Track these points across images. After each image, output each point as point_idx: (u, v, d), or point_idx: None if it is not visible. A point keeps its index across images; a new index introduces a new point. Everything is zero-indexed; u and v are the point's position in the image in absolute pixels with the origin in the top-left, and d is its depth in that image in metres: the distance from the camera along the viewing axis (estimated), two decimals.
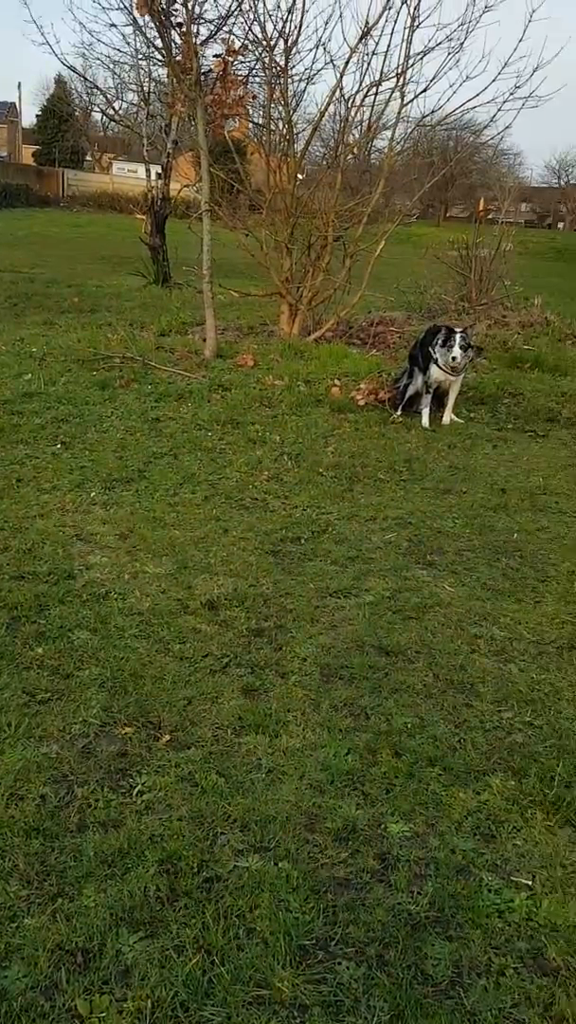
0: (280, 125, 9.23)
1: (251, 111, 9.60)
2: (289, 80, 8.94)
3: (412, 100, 8.91)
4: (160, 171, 14.62)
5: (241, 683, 2.99)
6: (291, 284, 9.34)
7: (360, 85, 8.88)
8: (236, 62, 8.58)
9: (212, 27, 10.69)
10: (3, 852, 2.16)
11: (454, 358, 6.55)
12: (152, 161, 14.82)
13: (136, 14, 10.40)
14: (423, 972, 1.91)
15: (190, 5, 8.24)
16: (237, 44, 8.94)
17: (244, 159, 10.29)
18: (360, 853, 2.24)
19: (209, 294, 8.44)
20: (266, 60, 8.98)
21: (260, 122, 9.74)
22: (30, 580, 3.61)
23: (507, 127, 25.08)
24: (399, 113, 8.87)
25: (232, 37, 9.69)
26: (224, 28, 10.26)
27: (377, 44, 8.69)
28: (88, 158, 50.83)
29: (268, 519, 4.55)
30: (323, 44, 13.08)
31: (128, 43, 16.52)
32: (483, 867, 2.22)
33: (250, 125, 10.23)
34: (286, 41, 8.71)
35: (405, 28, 8.43)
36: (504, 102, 8.64)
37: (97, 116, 47.69)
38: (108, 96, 22.55)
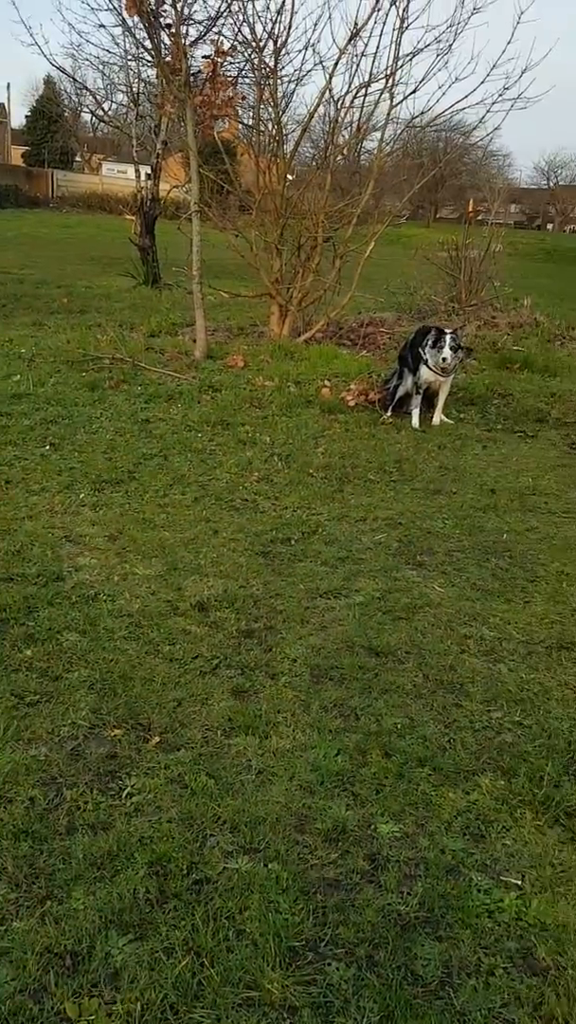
0: (269, 126, 9.23)
1: (240, 112, 9.61)
2: (278, 81, 8.94)
3: (401, 101, 8.95)
4: (150, 172, 14.60)
5: (231, 684, 2.98)
6: (281, 285, 9.34)
7: (349, 86, 8.91)
8: (225, 63, 8.58)
9: (201, 28, 10.72)
10: None
11: (444, 359, 6.56)
12: (142, 162, 14.80)
13: (125, 15, 10.41)
14: (413, 972, 1.91)
15: (179, 6, 8.25)
16: (226, 45, 8.95)
17: (234, 160, 10.28)
18: (350, 854, 2.24)
19: (199, 295, 8.44)
20: (255, 61, 9.00)
21: (249, 123, 9.74)
22: (19, 582, 3.59)
23: (496, 128, 25.15)
24: (388, 114, 8.90)
25: (221, 38, 9.70)
26: (213, 29, 10.28)
27: (366, 45, 8.72)
28: (78, 159, 50.71)
29: (258, 520, 4.54)
30: (312, 45, 13.15)
31: (117, 44, 16.54)
32: (473, 867, 2.23)
33: (239, 126, 10.24)
34: (275, 42, 8.72)
35: (394, 30, 8.46)
36: (493, 103, 8.69)
37: (86, 117, 47.60)
38: (97, 97, 22.49)
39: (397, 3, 8.34)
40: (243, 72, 9.66)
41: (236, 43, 9.12)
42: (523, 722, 2.87)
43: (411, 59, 8.63)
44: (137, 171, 14.85)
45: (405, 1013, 1.81)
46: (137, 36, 11.56)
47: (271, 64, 8.81)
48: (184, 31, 8.91)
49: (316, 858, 2.22)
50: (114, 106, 24.77)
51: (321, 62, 11.40)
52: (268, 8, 17.44)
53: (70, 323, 9.77)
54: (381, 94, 8.78)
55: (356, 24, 8.47)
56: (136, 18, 9.11)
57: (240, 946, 1.94)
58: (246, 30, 8.90)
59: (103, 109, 23.03)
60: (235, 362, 8.13)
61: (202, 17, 10.95)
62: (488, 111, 8.76)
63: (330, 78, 8.74)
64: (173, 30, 8.31)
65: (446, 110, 9.29)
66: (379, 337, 10.10)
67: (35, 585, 3.58)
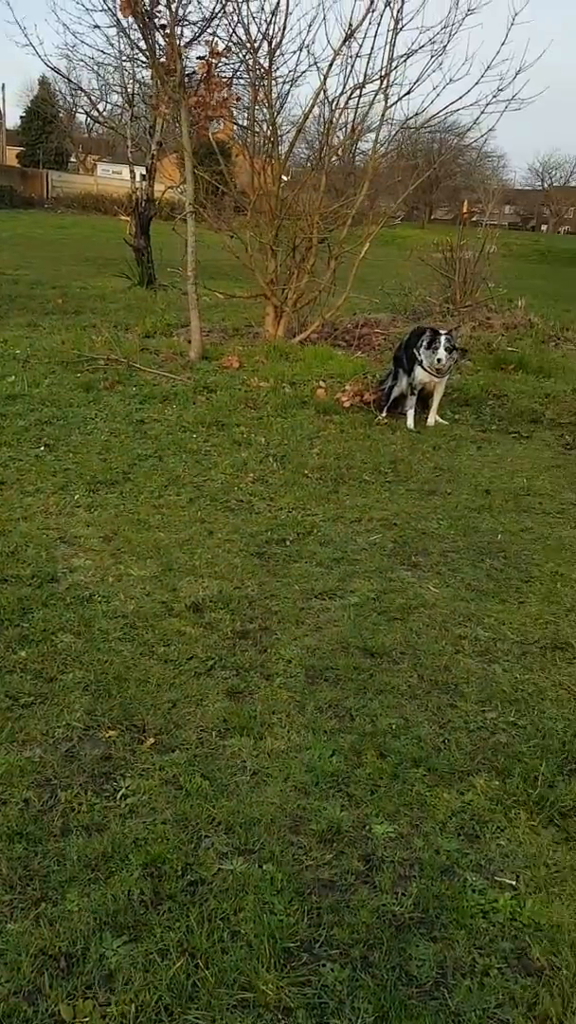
0: (264, 127, 9.23)
1: (235, 113, 9.62)
2: (273, 82, 8.95)
3: (396, 102, 8.95)
4: (144, 173, 14.59)
5: (226, 685, 2.98)
6: (276, 286, 9.34)
7: (344, 87, 8.91)
8: (220, 64, 8.59)
9: (196, 29, 10.74)
10: None
11: (439, 360, 6.56)
12: (136, 163, 14.81)
13: (120, 16, 10.42)
14: (407, 973, 1.91)
15: (174, 7, 8.25)
16: (221, 46, 8.97)
17: (228, 161, 10.29)
18: (345, 855, 2.24)
19: (194, 296, 8.43)
20: (250, 62, 8.99)
21: (244, 124, 9.75)
22: (13, 583, 3.59)
23: (490, 129, 25.23)
24: (383, 115, 8.91)
25: (216, 39, 9.72)
26: (208, 30, 10.29)
27: (361, 46, 8.73)
28: (72, 160, 50.64)
29: (253, 521, 4.54)
30: (307, 46, 13.06)
31: (112, 45, 16.56)
32: (467, 867, 2.23)
33: (234, 127, 10.25)
34: (270, 43, 8.72)
35: (388, 31, 8.47)
36: (487, 104, 8.71)
37: (81, 118, 47.53)
38: (92, 98, 22.55)
39: (391, 4, 8.36)
40: (238, 73, 9.69)
41: (231, 44, 9.13)
42: (518, 722, 2.87)
43: (405, 60, 8.65)
44: (132, 172, 14.85)
45: (400, 1014, 1.81)
46: (132, 37, 11.61)
47: (266, 65, 8.82)
48: (179, 32, 8.93)
49: (311, 859, 2.22)
50: (109, 107, 24.82)
51: (316, 63, 11.45)
52: (263, 9, 17.45)
53: (65, 324, 9.76)
54: (376, 95, 8.79)
55: (351, 25, 8.49)
56: (131, 19, 9.15)
57: (235, 947, 1.94)
58: (240, 31, 8.91)
59: (98, 110, 23.08)
60: (230, 363, 8.13)
61: (197, 18, 10.97)
62: (482, 112, 8.80)
63: (325, 79, 8.76)
64: (168, 31, 8.31)
65: (440, 111, 9.31)
66: (374, 338, 10.10)
67: (29, 586, 3.57)
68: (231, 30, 9.15)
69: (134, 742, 2.64)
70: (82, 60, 29.49)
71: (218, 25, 10.12)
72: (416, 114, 9.27)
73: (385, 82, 8.63)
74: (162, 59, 8.47)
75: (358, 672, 3.12)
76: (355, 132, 9.52)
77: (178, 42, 8.45)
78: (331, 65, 8.68)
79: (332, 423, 6.62)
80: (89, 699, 2.83)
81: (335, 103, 8.94)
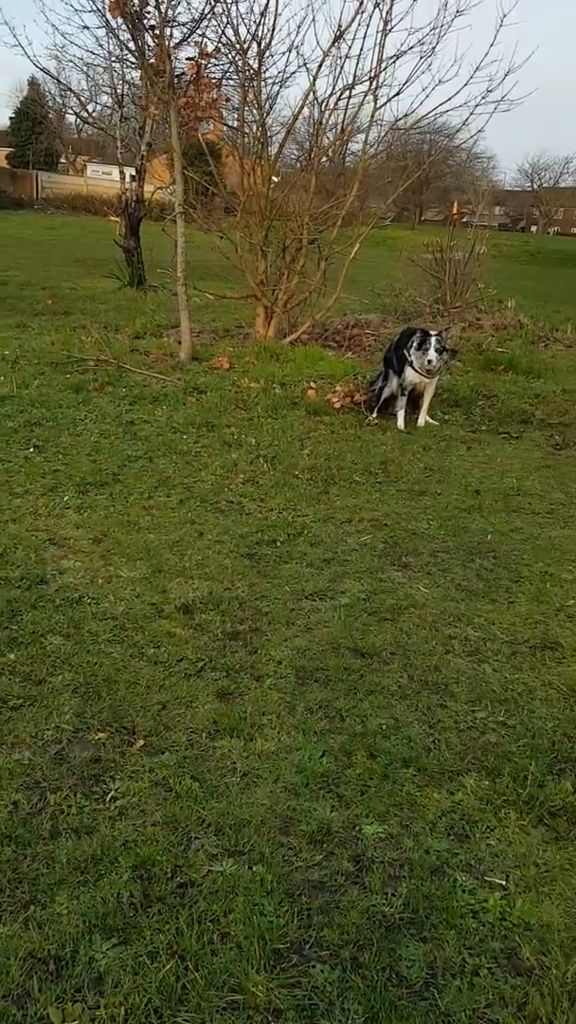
0: (254, 128, 9.23)
1: (225, 114, 9.61)
2: (263, 83, 8.95)
3: (385, 103, 8.93)
4: (134, 173, 14.57)
5: (216, 687, 2.98)
6: (266, 287, 9.34)
7: (333, 88, 8.93)
8: (209, 65, 8.58)
9: (185, 30, 10.70)
10: None
11: (430, 361, 6.57)
12: (126, 163, 14.77)
13: (109, 16, 10.38)
14: (397, 974, 1.91)
15: (163, 8, 8.24)
16: (210, 47, 8.96)
17: (218, 162, 10.27)
18: (335, 855, 2.24)
19: (184, 296, 8.43)
20: (239, 63, 8.99)
21: (234, 125, 9.74)
22: (1, 585, 3.57)
23: (480, 130, 25.24)
24: (372, 116, 8.91)
25: (205, 40, 9.69)
26: (197, 31, 10.26)
27: (350, 48, 8.76)
28: (62, 160, 50.52)
29: (244, 522, 4.54)
30: (296, 48, 13.18)
31: (101, 46, 16.49)
32: (457, 867, 2.23)
33: (224, 128, 10.23)
34: (259, 44, 8.71)
35: (378, 32, 8.48)
36: (476, 106, 8.72)
37: (71, 118, 47.44)
38: (82, 98, 22.46)
39: (380, 5, 8.37)
40: (227, 74, 9.67)
41: (220, 45, 9.12)
42: (507, 722, 2.88)
43: (395, 61, 8.67)
44: (122, 173, 14.81)
45: (390, 1015, 1.81)
46: (121, 38, 11.57)
47: (255, 66, 8.82)
48: (168, 33, 8.91)
49: (301, 860, 2.21)
50: (98, 108, 24.76)
51: (305, 64, 11.42)
52: (252, 10, 17.46)
53: (54, 325, 9.73)
54: (365, 96, 8.80)
55: (340, 26, 8.49)
56: (120, 20, 9.12)
57: (224, 949, 1.93)
58: (230, 32, 8.90)
59: (87, 111, 23.01)
60: (220, 364, 8.12)
61: (186, 19, 10.92)
62: (472, 113, 8.84)
63: (314, 80, 8.76)
64: (157, 32, 8.30)
65: (430, 112, 9.32)
66: (364, 339, 10.11)
67: (18, 588, 3.56)
68: (220, 31, 9.21)
69: (124, 744, 2.63)
70: (71, 61, 29.32)
71: (207, 26, 10.09)
72: (406, 115, 9.27)
73: (374, 83, 8.65)
74: (151, 60, 8.45)
75: (348, 673, 3.12)
76: (345, 133, 9.51)
77: (167, 43, 8.44)
78: (320, 66, 8.69)
79: (323, 424, 6.62)
80: (78, 701, 2.82)
81: (325, 104, 8.95)
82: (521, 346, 10.20)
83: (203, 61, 8.26)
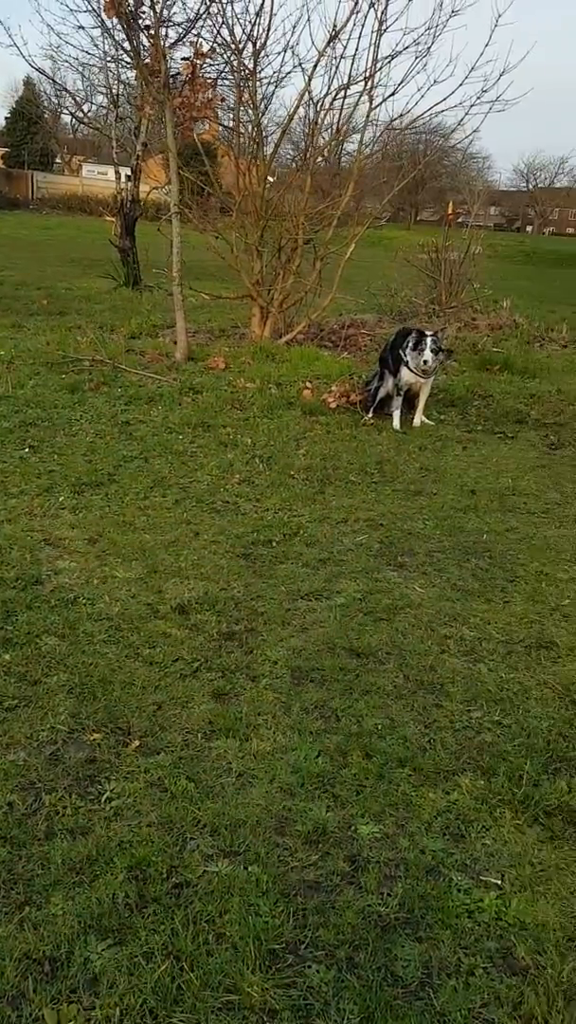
0: (249, 128, 9.23)
1: (220, 114, 9.61)
2: (258, 83, 8.94)
3: (381, 103, 8.97)
4: (130, 173, 14.56)
5: (211, 687, 2.97)
6: (262, 287, 9.34)
7: (329, 88, 8.92)
8: (204, 65, 8.59)
9: (180, 30, 10.71)
10: None
11: (426, 361, 6.58)
12: (122, 163, 14.77)
13: (104, 17, 10.36)
14: (393, 974, 1.91)
15: (158, 8, 8.23)
16: (205, 47, 8.97)
17: (214, 162, 10.28)
18: (330, 855, 2.24)
19: (179, 296, 8.42)
20: (234, 63, 8.99)
21: (229, 125, 9.74)
22: None
23: (475, 130, 25.36)
24: (368, 116, 8.93)
25: (200, 40, 9.69)
26: (192, 31, 10.27)
27: (345, 48, 8.78)
28: (58, 160, 50.47)
29: (239, 522, 4.54)
30: (291, 47, 13.10)
31: (97, 46, 16.48)
32: (453, 867, 2.23)
33: (219, 128, 10.23)
34: (254, 44, 8.71)
35: (373, 32, 8.48)
36: (471, 106, 8.72)
37: (66, 118, 47.43)
38: (77, 99, 22.46)
39: (375, 5, 8.37)
40: (222, 74, 9.67)
41: (215, 45, 9.13)
42: (503, 721, 2.88)
43: (390, 61, 8.66)
44: (117, 173, 14.82)
45: (385, 1015, 1.80)
46: (116, 38, 11.55)
47: (250, 66, 8.81)
48: (163, 33, 8.91)
49: (296, 860, 2.21)
50: (94, 108, 24.69)
51: (300, 64, 11.45)
52: (247, 10, 17.44)
53: (50, 325, 9.72)
54: (360, 96, 8.81)
55: (335, 27, 8.50)
56: (115, 20, 9.11)
57: (220, 950, 1.93)
58: (225, 32, 8.90)
59: (83, 111, 22.99)
60: (216, 364, 8.12)
61: (181, 19, 10.95)
62: (467, 114, 8.80)
63: (309, 80, 8.77)
64: (152, 32, 8.30)
65: (425, 112, 9.32)
66: (360, 339, 10.11)
67: (13, 589, 3.55)
68: (216, 31, 9.20)
69: (119, 745, 2.63)
70: (67, 61, 29.39)
71: (202, 26, 10.11)
72: (401, 115, 9.29)
73: (370, 83, 8.65)
74: (147, 60, 8.45)
75: (344, 673, 3.12)
76: (340, 133, 9.52)
77: (162, 43, 8.44)
78: (316, 66, 8.70)
79: (318, 424, 6.62)
80: (74, 702, 2.82)
81: (320, 104, 8.96)
82: (516, 346, 10.21)
83: (198, 61, 8.27)
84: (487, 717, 2.90)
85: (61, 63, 31.75)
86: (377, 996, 1.84)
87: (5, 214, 33.19)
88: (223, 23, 8.91)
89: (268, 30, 8.73)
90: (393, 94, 9.36)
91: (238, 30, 8.89)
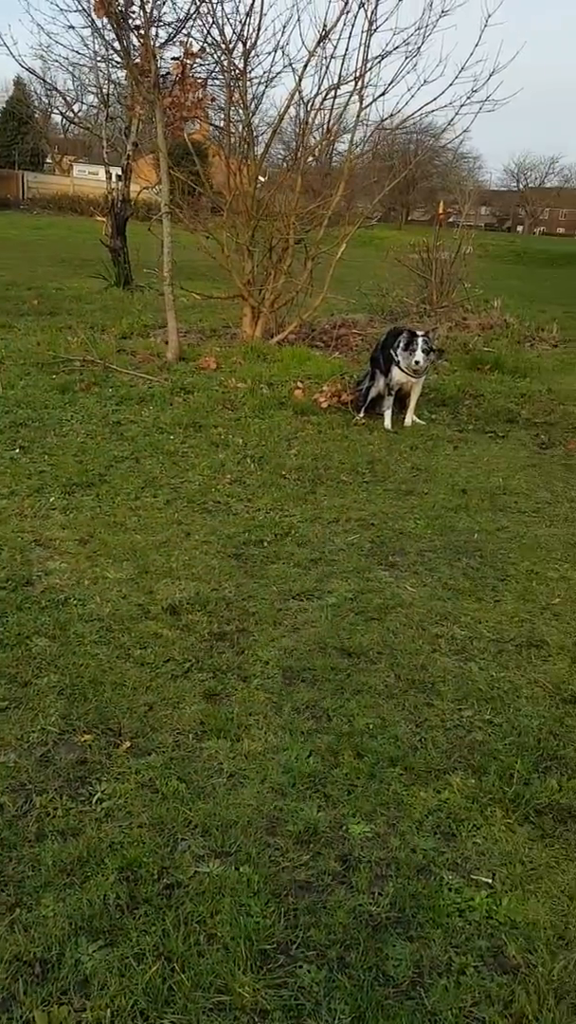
0: (240, 128, 9.23)
1: (210, 114, 9.60)
2: (248, 83, 8.94)
3: (371, 103, 8.94)
4: (120, 173, 14.53)
5: (203, 688, 2.97)
6: (253, 287, 9.34)
7: (319, 88, 8.94)
8: (195, 65, 8.57)
9: (171, 30, 10.69)
10: None
11: (417, 361, 6.58)
12: (112, 163, 14.73)
13: (94, 16, 10.34)
14: (384, 973, 1.91)
15: (148, 8, 8.22)
16: (195, 47, 8.95)
17: (204, 161, 10.26)
18: (321, 855, 2.24)
19: (170, 296, 8.41)
20: (225, 63, 8.98)
21: (220, 125, 9.73)
22: None
23: (465, 131, 25.24)
24: (358, 116, 8.92)
25: (190, 40, 9.68)
26: (183, 31, 10.25)
27: (335, 48, 8.77)
28: (48, 160, 50.32)
29: (231, 522, 4.53)
30: (282, 47, 13.19)
31: (87, 45, 16.44)
32: (444, 866, 2.23)
33: (210, 128, 10.22)
34: (245, 44, 8.71)
35: (363, 32, 8.49)
36: (461, 106, 8.73)
37: (57, 118, 47.31)
38: (67, 98, 22.40)
39: (365, 6, 8.38)
40: (212, 74, 9.66)
41: (205, 45, 9.12)
42: (493, 720, 2.89)
43: (380, 61, 8.67)
44: (108, 172, 14.77)
45: (376, 1014, 1.81)
46: (106, 38, 11.52)
47: (240, 66, 8.81)
48: (153, 33, 8.89)
49: (287, 860, 2.21)
50: (84, 107, 24.68)
51: (291, 64, 11.46)
52: (237, 10, 17.44)
53: (40, 325, 9.69)
54: (351, 96, 8.81)
55: (325, 27, 8.50)
56: (105, 20, 9.09)
57: (211, 950, 1.93)
58: (215, 32, 8.89)
59: (73, 111, 22.97)
60: (207, 364, 8.11)
61: (171, 19, 10.92)
62: (457, 114, 8.82)
63: (300, 80, 8.76)
64: (142, 31, 8.28)
65: (415, 112, 9.33)
66: (351, 339, 10.13)
67: (3, 590, 3.54)
68: (206, 31, 9.19)
69: (110, 746, 2.63)
70: (57, 61, 29.37)
71: (192, 26, 10.09)
72: (391, 115, 9.30)
73: (360, 83, 8.66)
74: (137, 60, 8.43)
75: (335, 672, 3.12)
76: (331, 133, 9.52)
77: (152, 43, 8.42)
78: (306, 66, 8.69)
79: (310, 424, 6.62)
80: (64, 703, 2.81)
81: (310, 104, 8.96)
82: (507, 346, 10.24)
83: (188, 61, 8.26)
84: (478, 716, 2.91)
85: (51, 63, 31.78)
86: (368, 996, 1.84)
87: None
88: (213, 23, 8.90)
89: (258, 30, 8.75)
90: (383, 94, 9.40)
91: (228, 30, 8.95)
